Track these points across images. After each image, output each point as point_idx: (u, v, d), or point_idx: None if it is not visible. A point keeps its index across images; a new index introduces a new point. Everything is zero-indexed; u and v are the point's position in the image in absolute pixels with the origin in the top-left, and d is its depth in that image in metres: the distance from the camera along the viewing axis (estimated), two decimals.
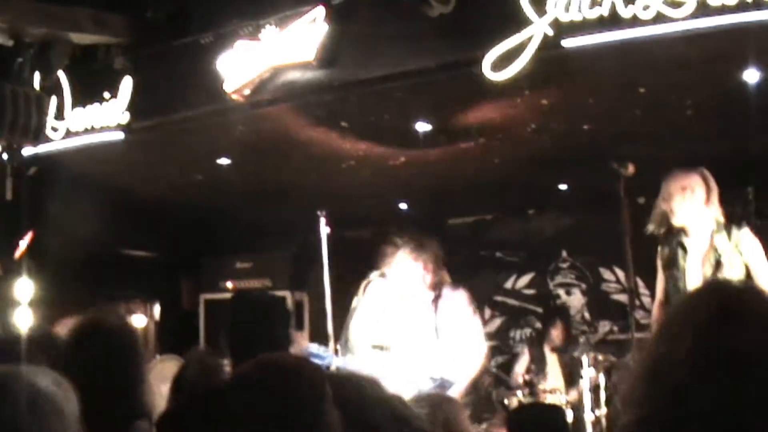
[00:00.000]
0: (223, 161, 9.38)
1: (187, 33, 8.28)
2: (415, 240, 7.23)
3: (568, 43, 6.45)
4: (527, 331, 11.79)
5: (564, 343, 10.08)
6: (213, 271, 11.67)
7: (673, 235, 6.82)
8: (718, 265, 6.64)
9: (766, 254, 6.72)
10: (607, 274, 11.38)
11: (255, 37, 7.72)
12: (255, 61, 7.69)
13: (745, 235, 6.69)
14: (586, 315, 11.68)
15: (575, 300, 11.76)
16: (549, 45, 6.50)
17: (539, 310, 11.64)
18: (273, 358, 3.07)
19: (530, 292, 11.86)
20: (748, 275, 6.57)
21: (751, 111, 7.68)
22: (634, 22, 6.27)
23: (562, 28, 6.46)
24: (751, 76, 7.08)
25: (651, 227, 6.76)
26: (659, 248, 6.78)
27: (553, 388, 8.82)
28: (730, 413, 2.06)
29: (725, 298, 2.23)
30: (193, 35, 8.23)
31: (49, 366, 3.19)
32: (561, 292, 11.87)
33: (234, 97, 7.80)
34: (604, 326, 11.32)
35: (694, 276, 6.74)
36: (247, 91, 7.78)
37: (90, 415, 2.90)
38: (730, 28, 6.11)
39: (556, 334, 10.19)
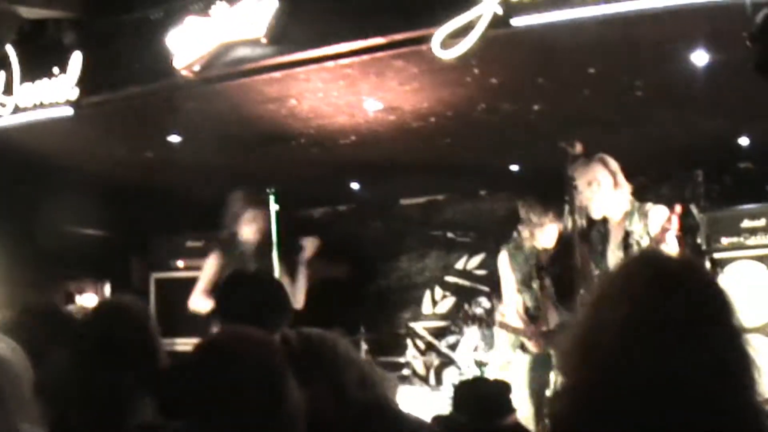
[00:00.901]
0: (174, 138, 9.31)
1: (137, 8, 8.20)
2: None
3: (517, 21, 6.44)
4: (478, 311, 11.80)
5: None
6: (163, 250, 11.58)
7: (594, 224, 6.94)
8: (627, 247, 6.76)
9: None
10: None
11: (205, 13, 7.67)
12: (205, 37, 7.63)
13: (654, 213, 6.88)
14: None
15: None
16: (498, 23, 6.47)
17: (490, 290, 11.67)
18: (229, 335, 3.08)
19: (481, 272, 11.87)
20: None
21: (700, 94, 7.73)
22: (585, 1, 6.28)
23: (512, 7, 6.44)
24: (700, 58, 7.11)
25: (571, 224, 6.81)
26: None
27: (503, 366, 8.86)
28: (664, 380, 2.07)
29: (660, 268, 2.27)
30: (143, 10, 8.16)
31: None
32: None
33: (183, 73, 7.74)
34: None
35: (611, 260, 6.96)
36: (196, 68, 7.72)
37: None
38: (680, 8, 6.13)
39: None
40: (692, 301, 2.17)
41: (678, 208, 6.63)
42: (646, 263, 2.33)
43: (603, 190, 6.94)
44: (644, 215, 6.90)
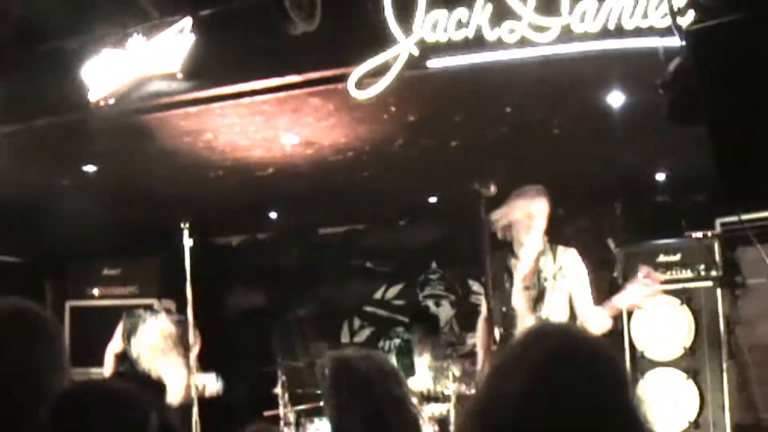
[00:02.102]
0: (89, 168, 9.21)
1: (53, 38, 8.10)
2: None
3: (433, 63, 6.47)
4: (396, 341, 11.82)
5: (432, 354, 10.12)
6: (79, 278, 11.45)
7: (499, 257, 6.91)
8: (540, 288, 6.76)
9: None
10: (476, 286, 11.47)
11: (121, 45, 7.59)
12: (120, 70, 7.55)
13: (570, 257, 6.83)
14: (455, 327, 11.76)
15: (444, 311, 11.85)
16: (414, 64, 6.51)
17: (408, 320, 11.69)
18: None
19: (400, 302, 11.89)
20: (570, 299, 6.75)
21: (616, 131, 7.81)
22: (499, 44, 6.32)
23: (428, 48, 6.48)
24: (615, 99, 7.19)
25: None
26: (489, 262, 6.80)
27: (421, 398, 8.86)
28: None
29: (555, 342, 2.28)
30: (58, 41, 8.06)
31: None
32: (430, 303, 11.95)
33: (99, 105, 7.66)
34: (472, 338, 11.39)
35: (516, 298, 6.86)
36: (112, 100, 7.64)
37: None
38: (593, 54, 6.20)
39: (423, 345, 10.22)
40: (586, 375, 2.19)
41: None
42: (542, 336, 2.35)
43: (538, 227, 6.89)
44: (555, 256, 6.90)
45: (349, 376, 4.10)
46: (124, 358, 8.54)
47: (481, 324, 7.10)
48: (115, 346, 8.62)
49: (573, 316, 6.76)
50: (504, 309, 6.83)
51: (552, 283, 6.74)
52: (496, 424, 2.19)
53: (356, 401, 4.04)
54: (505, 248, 6.95)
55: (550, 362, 2.20)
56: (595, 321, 6.46)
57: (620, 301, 6.56)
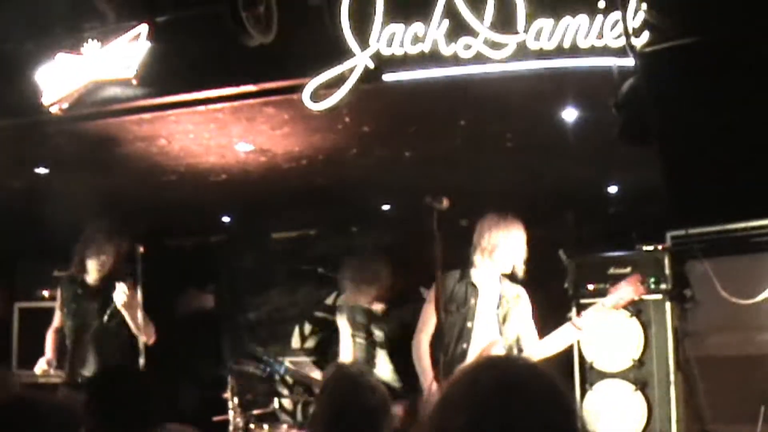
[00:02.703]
0: (41, 170, 9.16)
1: (7, 39, 8.05)
2: None
3: (388, 77, 6.50)
4: None
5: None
6: (29, 279, 11.36)
7: (463, 273, 7.06)
8: (504, 310, 6.97)
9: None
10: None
11: (76, 50, 7.56)
12: (75, 74, 7.52)
13: (522, 292, 7.24)
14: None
15: None
16: (370, 77, 6.53)
17: None
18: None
19: None
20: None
21: (569, 145, 7.86)
22: (455, 60, 6.36)
23: (384, 62, 6.50)
24: (569, 114, 7.25)
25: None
26: (441, 280, 6.87)
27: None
28: None
29: (502, 375, 2.29)
30: (13, 42, 8.00)
31: None
32: None
33: (52, 109, 7.62)
34: None
35: (484, 318, 7.14)
36: (65, 105, 7.60)
37: None
38: (548, 71, 6.26)
39: None
40: (534, 409, 2.20)
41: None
42: (489, 368, 2.35)
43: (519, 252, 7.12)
44: (515, 289, 7.13)
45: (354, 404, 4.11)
46: (62, 332, 8.49)
47: (423, 339, 7.18)
48: (54, 321, 8.56)
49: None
50: (469, 325, 6.95)
51: (511, 307, 6.95)
52: None
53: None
54: (466, 266, 7.11)
55: (497, 394, 2.22)
56: (539, 354, 6.86)
57: (609, 300, 7.11)
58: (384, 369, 8.41)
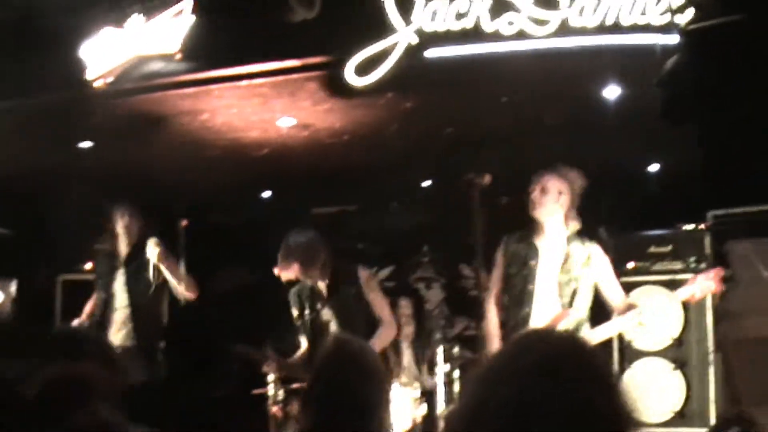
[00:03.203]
0: (85, 144, 9.23)
1: (51, 16, 8.10)
2: None
3: (431, 53, 6.51)
4: None
5: (419, 336, 10.14)
6: (71, 251, 11.44)
7: (525, 234, 6.86)
8: (569, 275, 6.64)
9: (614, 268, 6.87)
10: (466, 270, 11.49)
11: (120, 24, 7.61)
12: (119, 49, 7.57)
13: (596, 251, 6.73)
14: (445, 310, 11.80)
15: (434, 294, 11.87)
16: (412, 53, 6.55)
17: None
18: None
19: (390, 284, 11.89)
20: (596, 291, 6.68)
21: (611, 123, 7.83)
22: (498, 36, 6.36)
23: (426, 38, 6.51)
24: (611, 92, 7.23)
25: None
26: (504, 242, 6.82)
27: (406, 381, 8.87)
28: None
29: (546, 350, 2.29)
30: (58, 18, 8.05)
31: None
32: (421, 285, 11.97)
33: (96, 84, 7.67)
34: (461, 322, 11.43)
35: (546, 280, 6.67)
36: (109, 79, 7.66)
37: None
38: (590, 49, 6.24)
39: (410, 327, 10.21)
40: (576, 387, 2.20)
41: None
42: (536, 342, 2.36)
43: (552, 201, 6.76)
44: (588, 250, 6.82)
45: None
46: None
47: (491, 299, 6.89)
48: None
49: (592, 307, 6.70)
50: (530, 287, 6.74)
51: (580, 272, 6.64)
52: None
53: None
54: (526, 229, 6.85)
55: (541, 369, 2.22)
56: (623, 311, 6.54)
57: (684, 292, 6.69)
58: None
